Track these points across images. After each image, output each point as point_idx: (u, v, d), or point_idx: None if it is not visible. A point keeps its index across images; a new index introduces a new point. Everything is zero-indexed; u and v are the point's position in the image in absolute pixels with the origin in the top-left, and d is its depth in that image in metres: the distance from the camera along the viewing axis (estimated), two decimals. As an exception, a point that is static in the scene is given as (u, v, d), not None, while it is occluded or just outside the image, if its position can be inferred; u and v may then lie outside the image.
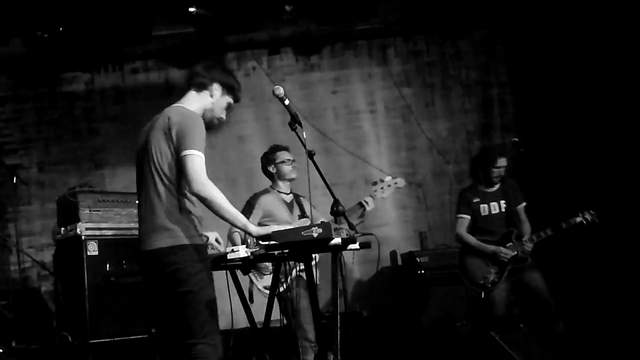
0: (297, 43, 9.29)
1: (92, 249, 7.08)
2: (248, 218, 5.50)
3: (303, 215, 6.24)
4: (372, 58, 9.38)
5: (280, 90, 4.68)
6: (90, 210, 7.22)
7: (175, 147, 4.12)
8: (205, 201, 4.07)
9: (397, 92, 9.29)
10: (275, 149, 6.45)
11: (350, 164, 9.17)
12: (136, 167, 4.39)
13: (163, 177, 4.15)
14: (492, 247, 6.72)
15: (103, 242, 7.16)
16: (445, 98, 9.37)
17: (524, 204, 6.89)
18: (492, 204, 6.87)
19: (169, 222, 4.12)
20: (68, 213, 7.29)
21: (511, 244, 6.70)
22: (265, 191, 6.43)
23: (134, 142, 7.06)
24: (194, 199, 4.17)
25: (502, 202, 6.85)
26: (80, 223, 7.11)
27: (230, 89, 4.49)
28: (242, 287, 5.14)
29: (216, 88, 4.43)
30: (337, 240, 4.26)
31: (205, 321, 4.13)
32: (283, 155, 6.36)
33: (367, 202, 6.10)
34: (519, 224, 6.83)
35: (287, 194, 6.37)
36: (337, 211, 5.19)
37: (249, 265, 4.72)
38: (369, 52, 9.38)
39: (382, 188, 6.21)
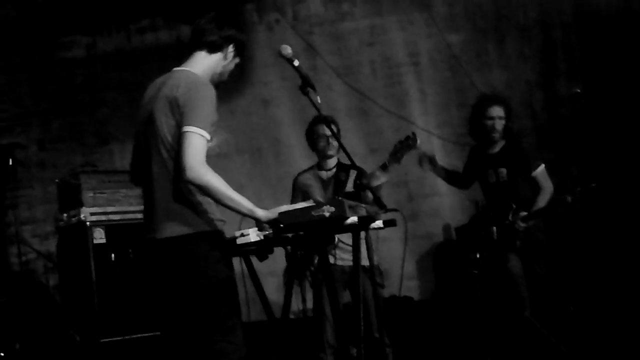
0: (326, -13, 9.42)
1: (99, 237, 7.24)
2: (293, 201, 5.76)
3: (337, 192, 6.38)
4: (413, 2, 9.37)
5: (287, 50, 4.68)
6: (94, 193, 7.35)
7: (180, 119, 4.10)
8: (201, 189, 4.07)
9: (443, 41, 9.30)
10: (311, 122, 6.63)
11: (393, 126, 9.16)
12: (138, 142, 4.42)
13: (173, 154, 4.12)
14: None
15: (110, 229, 7.29)
16: (499, 44, 9.31)
17: (540, 168, 6.66)
18: (500, 169, 6.71)
19: (182, 207, 4.15)
20: (70, 197, 7.43)
21: (508, 222, 6.57)
22: (307, 169, 6.75)
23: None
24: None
25: (503, 169, 6.70)
26: (83, 208, 7.24)
27: (243, 49, 4.48)
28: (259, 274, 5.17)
29: (230, 49, 4.40)
30: (353, 219, 4.34)
31: (227, 315, 4.19)
32: (318, 130, 6.55)
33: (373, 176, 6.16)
34: (536, 194, 6.65)
35: (328, 170, 6.59)
36: (360, 185, 5.32)
37: (265, 249, 4.71)
38: (409, -6, 9.44)
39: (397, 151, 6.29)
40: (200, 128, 4.04)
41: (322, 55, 9.24)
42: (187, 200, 4.16)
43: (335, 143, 6.39)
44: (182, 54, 8.26)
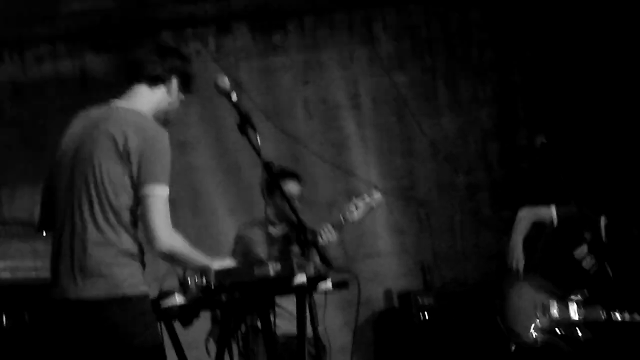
0: (254, 16, 9.17)
1: (-17, 298, 6.91)
2: (232, 256, 5.63)
3: (283, 252, 6.30)
4: (354, 35, 9.26)
5: (224, 82, 4.69)
6: (-21, 247, 7.09)
7: (134, 176, 4.09)
8: (171, 258, 4.16)
9: (388, 80, 9.20)
10: (274, 176, 6.27)
11: (328, 176, 9.04)
12: (55, 184, 4.31)
13: (107, 207, 4.10)
14: (518, 247, 6.45)
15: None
16: (451, 86, 9.25)
17: None
18: (591, 256, 6.57)
19: (106, 266, 4.06)
20: (-51, 252, 7.13)
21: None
22: (255, 222, 6.69)
23: (40, 153, 6.93)
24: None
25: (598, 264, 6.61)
26: (-36, 264, 6.96)
27: (188, 81, 4.52)
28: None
29: (174, 82, 4.43)
30: (301, 279, 4.30)
31: None
32: (287, 189, 6.31)
33: (322, 232, 6.11)
34: None
35: (279, 225, 6.55)
36: (305, 241, 5.23)
37: (191, 313, 4.67)
38: (349, 27, 9.27)
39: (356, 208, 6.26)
40: (163, 186, 4.10)
41: (248, 93, 8.94)
42: (115, 260, 4.08)
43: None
44: (86, 86, 8.07)
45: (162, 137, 4.16)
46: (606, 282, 6.61)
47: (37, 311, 6.84)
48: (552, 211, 6.57)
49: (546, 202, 6.72)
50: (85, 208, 4.11)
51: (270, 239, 6.42)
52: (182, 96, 4.49)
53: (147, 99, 4.36)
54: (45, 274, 6.96)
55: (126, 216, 4.10)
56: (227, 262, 4.43)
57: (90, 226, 4.09)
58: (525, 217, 6.60)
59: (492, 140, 9.17)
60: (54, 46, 9.08)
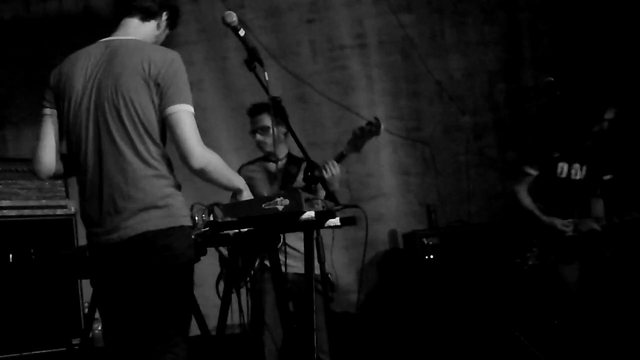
0: (261, -46, 9.09)
1: (-9, 234, 7.00)
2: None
3: (285, 186, 6.24)
4: (360, -27, 9.20)
5: (232, 17, 4.59)
6: (-14, 185, 7.16)
7: (158, 102, 3.98)
8: (207, 174, 4.05)
9: (395, 20, 9.16)
10: (249, 111, 6.49)
11: (334, 116, 9.06)
12: (75, 122, 4.13)
13: (147, 140, 4.01)
14: (546, 219, 6.70)
15: (6, 226, 7.03)
16: (458, 27, 9.25)
17: (609, 175, 6.86)
18: (575, 165, 6.78)
19: (161, 198, 4.01)
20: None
21: (571, 220, 6.72)
22: (253, 160, 6.63)
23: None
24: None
25: (586, 167, 6.79)
26: (-31, 203, 7.05)
27: (176, 18, 4.41)
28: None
29: (165, 17, 4.34)
30: (309, 215, 4.25)
31: (181, 327, 4.11)
32: (254, 122, 6.41)
33: (326, 166, 5.83)
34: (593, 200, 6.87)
35: (276, 162, 6.44)
36: (312, 177, 5.21)
37: (198, 250, 4.46)
38: (356, -35, 9.20)
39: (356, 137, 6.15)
40: (187, 104, 4.00)
41: (254, 32, 8.86)
42: (168, 192, 4.05)
43: (269, 140, 6.24)
44: (91, 25, 7.95)
45: (177, 58, 4.06)
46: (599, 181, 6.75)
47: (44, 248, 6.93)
48: (529, 171, 6.84)
49: (552, 144, 6.76)
50: (125, 144, 4.01)
51: (270, 175, 6.42)
52: (167, 31, 4.40)
53: (139, 32, 4.24)
54: (50, 212, 7.14)
55: (164, 150, 4.06)
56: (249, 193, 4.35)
57: (136, 160, 4.01)
58: (522, 194, 6.84)
59: (498, 81, 9.18)
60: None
